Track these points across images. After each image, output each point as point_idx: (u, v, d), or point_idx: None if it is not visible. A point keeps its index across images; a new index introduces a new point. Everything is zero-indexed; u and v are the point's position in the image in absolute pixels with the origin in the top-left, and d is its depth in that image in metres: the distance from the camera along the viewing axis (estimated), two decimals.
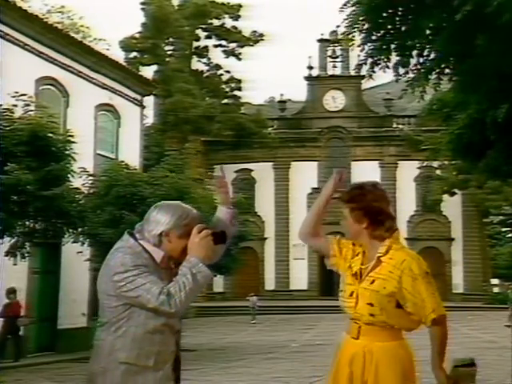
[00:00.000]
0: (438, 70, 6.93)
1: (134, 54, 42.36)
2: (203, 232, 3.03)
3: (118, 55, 32.96)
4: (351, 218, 3.28)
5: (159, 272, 3.07)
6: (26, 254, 15.70)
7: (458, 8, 5.43)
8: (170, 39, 43.55)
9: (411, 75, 6.87)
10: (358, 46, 6.60)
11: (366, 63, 6.69)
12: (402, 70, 6.85)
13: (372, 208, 3.25)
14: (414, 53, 6.72)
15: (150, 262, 3.07)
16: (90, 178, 17.92)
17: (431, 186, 41.19)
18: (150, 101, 35.17)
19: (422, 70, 6.78)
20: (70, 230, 16.50)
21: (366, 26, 6.36)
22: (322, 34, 44.84)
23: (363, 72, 7.07)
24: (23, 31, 18.70)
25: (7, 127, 14.55)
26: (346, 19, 6.23)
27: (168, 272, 3.11)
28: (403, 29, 6.45)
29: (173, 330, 3.13)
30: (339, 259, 3.39)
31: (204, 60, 45.58)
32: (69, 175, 15.30)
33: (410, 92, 7.08)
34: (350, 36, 6.45)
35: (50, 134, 14.93)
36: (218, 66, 45.34)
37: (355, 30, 6.32)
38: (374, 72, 6.79)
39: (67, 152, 15.12)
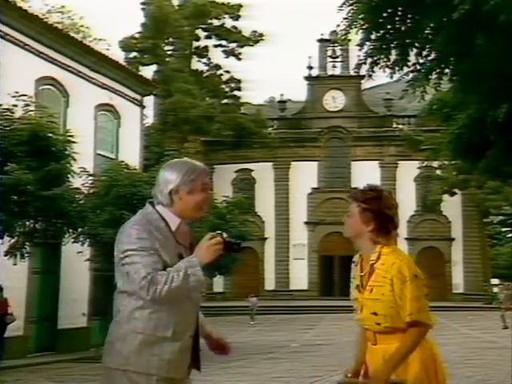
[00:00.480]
0: (438, 70, 6.93)
1: (134, 53, 42.36)
2: (213, 240, 3.02)
3: (118, 55, 32.99)
4: (360, 217, 3.23)
5: (173, 244, 3.09)
6: (26, 254, 15.70)
7: (457, 7, 5.43)
8: (170, 39, 43.55)
9: (411, 75, 6.86)
10: (358, 45, 6.59)
11: (365, 63, 6.69)
12: (401, 70, 6.84)
13: (384, 214, 3.23)
14: (414, 52, 6.71)
15: (165, 231, 3.10)
16: (90, 178, 17.93)
17: (431, 185, 41.20)
18: (150, 101, 35.19)
19: (423, 70, 6.78)
20: (70, 230, 16.51)
21: (365, 26, 6.36)
22: (322, 34, 44.83)
23: (363, 72, 7.07)
24: (23, 31, 18.70)
25: (7, 127, 14.56)
26: (346, 18, 6.22)
27: (187, 251, 3.13)
28: (403, 28, 6.45)
29: (192, 300, 3.13)
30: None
31: (204, 60, 45.61)
32: (69, 175, 15.31)
33: (410, 92, 7.07)
34: (348, 35, 6.44)
35: (50, 134, 14.94)
36: (218, 66, 45.34)
37: (354, 28, 6.31)
38: (373, 72, 6.78)
39: (67, 152, 15.13)
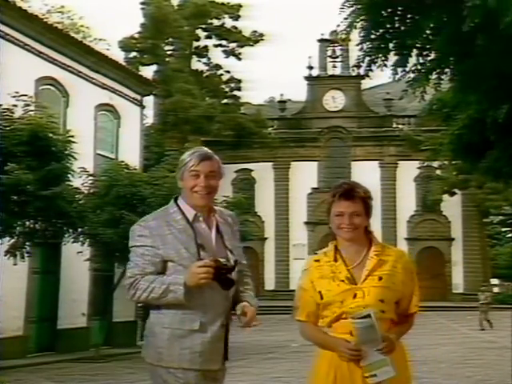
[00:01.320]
0: (438, 70, 6.92)
1: (134, 53, 42.37)
2: (202, 268, 2.97)
3: (118, 55, 32.99)
4: (365, 213, 3.21)
5: (190, 235, 3.10)
6: (26, 254, 15.69)
7: (466, 18, 5.41)
8: (170, 39, 43.54)
9: (411, 75, 6.86)
10: (357, 44, 6.58)
11: (363, 61, 6.67)
12: (400, 70, 6.83)
13: (371, 206, 3.28)
14: (414, 52, 6.71)
15: (181, 224, 3.13)
16: (90, 178, 17.93)
17: (431, 185, 41.20)
18: (150, 101, 35.21)
19: (423, 70, 6.77)
20: (70, 230, 16.50)
21: (364, 25, 6.35)
22: (322, 34, 44.87)
23: (362, 71, 7.06)
24: (23, 31, 18.69)
25: (7, 127, 14.55)
26: (346, 18, 6.21)
27: (210, 244, 3.17)
28: (402, 28, 6.44)
29: (222, 291, 3.08)
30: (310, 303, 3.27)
31: (204, 60, 45.61)
32: (69, 175, 15.30)
33: (410, 92, 7.07)
34: (348, 35, 6.43)
35: (50, 134, 14.93)
36: (218, 66, 45.34)
37: (352, 28, 6.30)
38: (371, 71, 6.77)
39: (67, 152, 15.12)
